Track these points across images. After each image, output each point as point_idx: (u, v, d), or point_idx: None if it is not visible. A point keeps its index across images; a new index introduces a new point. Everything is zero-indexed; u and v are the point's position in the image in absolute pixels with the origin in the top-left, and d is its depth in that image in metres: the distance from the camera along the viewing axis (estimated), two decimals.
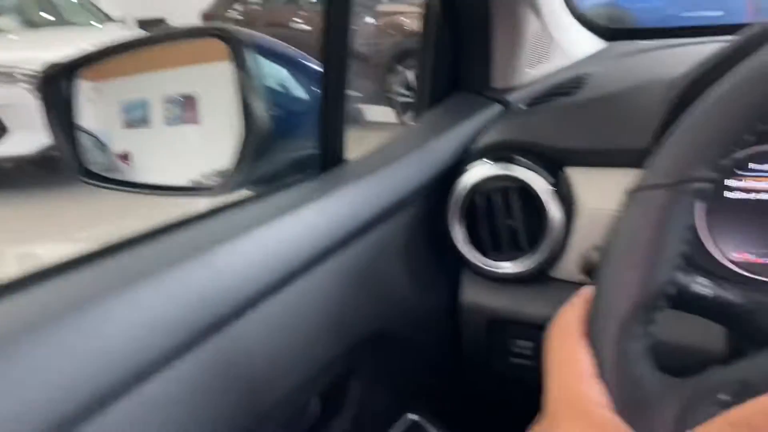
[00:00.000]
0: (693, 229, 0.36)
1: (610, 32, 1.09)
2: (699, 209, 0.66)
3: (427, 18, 0.86)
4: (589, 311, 0.37)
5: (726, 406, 0.33)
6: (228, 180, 0.67)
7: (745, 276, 0.64)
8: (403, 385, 0.76)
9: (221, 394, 0.45)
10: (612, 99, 0.73)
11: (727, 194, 0.67)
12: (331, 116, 0.65)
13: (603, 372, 0.35)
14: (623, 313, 0.35)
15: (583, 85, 0.80)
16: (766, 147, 0.65)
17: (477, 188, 0.71)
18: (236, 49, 0.68)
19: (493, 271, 0.72)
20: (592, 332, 0.37)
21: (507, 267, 0.71)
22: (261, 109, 0.68)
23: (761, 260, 0.64)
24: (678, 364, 0.38)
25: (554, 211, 0.69)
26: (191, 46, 0.84)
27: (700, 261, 0.65)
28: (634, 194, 0.37)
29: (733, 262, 0.65)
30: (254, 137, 0.66)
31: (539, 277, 0.71)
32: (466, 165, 0.74)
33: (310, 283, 0.55)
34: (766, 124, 0.34)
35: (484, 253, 0.73)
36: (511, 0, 0.86)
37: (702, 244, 0.66)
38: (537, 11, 0.90)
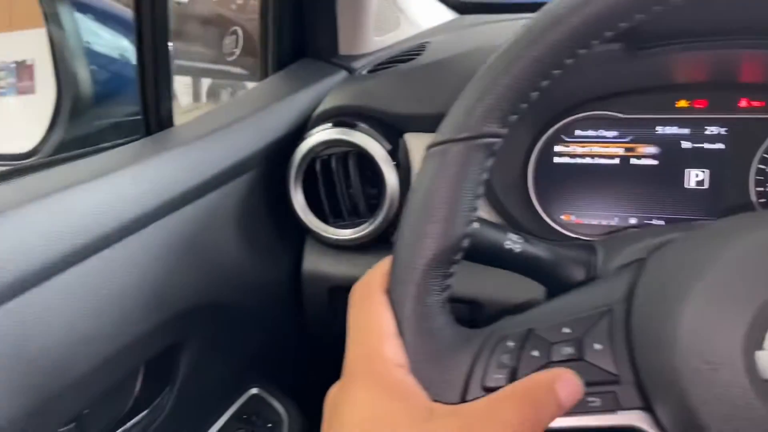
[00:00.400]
0: (486, 184, 0.36)
1: (461, 5, 1.11)
2: (530, 173, 0.69)
3: None
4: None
5: (511, 352, 0.34)
6: (39, 144, 0.62)
7: (567, 236, 0.67)
8: (244, 358, 0.74)
9: (2, 374, 0.41)
10: (449, 65, 0.73)
11: (555, 159, 0.69)
12: (153, 78, 0.61)
13: (401, 328, 0.35)
14: (419, 267, 0.35)
15: (424, 52, 0.80)
16: (591, 114, 0.68)
17: (315, 153, 0.70)
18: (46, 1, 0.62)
19: (333, 238, 0.71)
20: (392, 288, 0.36)
21: (347, 233, 0.71)
22: (77, 69, 0.63)
23: (581, 221, 0.68)
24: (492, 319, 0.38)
25: (391, 177, 0.68)
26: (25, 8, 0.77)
27: (526, 222, 0.67)
28: (429, 150, 0.37)
29: (558, 223, 0.69)
30: (68, 98, 0.61)
31: (379, 243, 0.71)
32: (308, 131, 0.72)
33: (123, 252, 0.52)
34: (549, 79, 0.35)
35: (325, 220, 0.72)
36: None
37: (532, 206, 0.69)
38: None
